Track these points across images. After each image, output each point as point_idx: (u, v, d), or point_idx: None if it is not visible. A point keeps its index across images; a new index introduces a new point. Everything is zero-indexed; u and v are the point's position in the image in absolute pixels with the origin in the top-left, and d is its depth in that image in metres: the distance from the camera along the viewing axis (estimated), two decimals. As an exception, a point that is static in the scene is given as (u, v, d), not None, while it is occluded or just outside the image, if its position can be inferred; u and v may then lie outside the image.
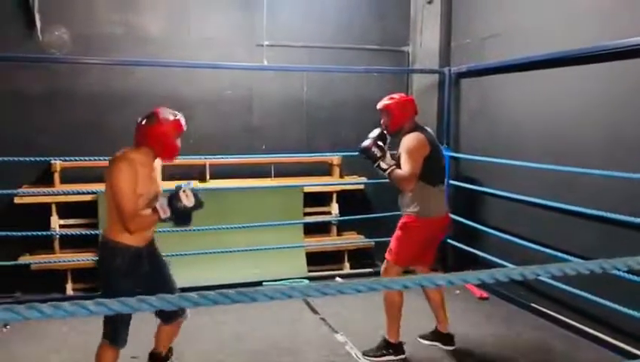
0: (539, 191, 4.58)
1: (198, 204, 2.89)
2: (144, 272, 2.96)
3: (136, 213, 2.80)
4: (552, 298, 4.51)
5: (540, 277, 1.56)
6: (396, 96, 3.82)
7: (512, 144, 4.97)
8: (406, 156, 3.60)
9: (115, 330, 2.90)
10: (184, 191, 2.84)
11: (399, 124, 3.72)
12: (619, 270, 1.61)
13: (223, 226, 5.17)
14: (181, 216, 2.88)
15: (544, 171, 4.49)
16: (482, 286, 5.07)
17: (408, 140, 3.64)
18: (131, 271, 2.89)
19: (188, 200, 2.84)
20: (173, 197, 2.84)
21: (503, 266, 4.62)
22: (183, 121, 2.95)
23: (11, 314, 1.14)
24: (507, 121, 5.07)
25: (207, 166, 5.45)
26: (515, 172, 4.85)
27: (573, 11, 4.34)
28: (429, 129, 3.83)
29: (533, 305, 4.68)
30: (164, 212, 2.82)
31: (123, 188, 2.76)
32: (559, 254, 4.25)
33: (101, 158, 5.03)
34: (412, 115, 3.75)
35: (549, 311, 4.52)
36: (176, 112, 2.98)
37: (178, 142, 2.96)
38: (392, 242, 3.78)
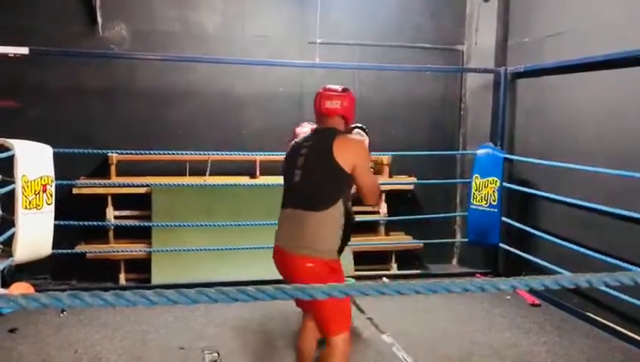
0: (598, 196, 4.39)
1: None
2: None
3: None
4: (610, 307, 4.32)
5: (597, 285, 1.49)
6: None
7: (570, 147, 4.79)
8: None
9: None
10: None
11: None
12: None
13: (270, 222, 5.17)
14: None
15: (605, 176, 4.30)
16: (536, 292, 4.91)
17: None
18: None
19: None
20: None
21: (556, 272, 4.46)
22: (297, 130, 3.36)
23: (76, 301, 1.17)
24: (566, 124, 4.89)
25: (258, 163, 5.49)
26: (573, 175, 4.68)
27: (638, 8, 4.14)
28: (321, 131, 2.89)
29: (588, 313, 4.51)
30: None
31: None
32: (617, 262, 4.07)
33: (156, 152, 5.16)
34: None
35: (606, 321, 4.34)
36: (304, 126, 3.39)
37: None
38: None
